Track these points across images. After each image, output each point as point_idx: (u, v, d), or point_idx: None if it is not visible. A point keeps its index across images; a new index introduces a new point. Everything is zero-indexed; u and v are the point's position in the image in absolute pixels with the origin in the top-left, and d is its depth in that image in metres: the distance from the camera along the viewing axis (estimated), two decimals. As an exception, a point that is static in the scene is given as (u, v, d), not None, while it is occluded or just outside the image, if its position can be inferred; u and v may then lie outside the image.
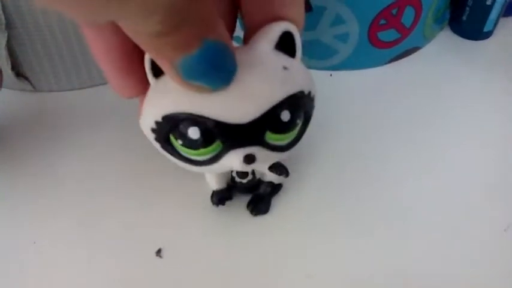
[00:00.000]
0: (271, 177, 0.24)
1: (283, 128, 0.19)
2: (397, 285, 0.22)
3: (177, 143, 0.19)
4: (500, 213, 0.25)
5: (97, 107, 0.32)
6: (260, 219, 0.25)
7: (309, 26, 0.32)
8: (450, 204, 0.26)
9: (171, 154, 0.20)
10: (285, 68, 0.19)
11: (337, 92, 0.33)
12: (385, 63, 0.35)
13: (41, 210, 0.26)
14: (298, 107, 0.20)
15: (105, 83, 0.34)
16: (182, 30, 0.15)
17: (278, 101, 0.18)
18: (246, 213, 0.25)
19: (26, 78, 0.32)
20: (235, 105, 0.18)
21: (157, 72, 0.19)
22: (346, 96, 0.32)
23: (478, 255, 0.23)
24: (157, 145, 0.21)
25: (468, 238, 0.24)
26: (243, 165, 0.19)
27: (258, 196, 0.25)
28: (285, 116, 0.19)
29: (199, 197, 0.26)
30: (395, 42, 0.34)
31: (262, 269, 0.23)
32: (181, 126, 0.19)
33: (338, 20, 0.31)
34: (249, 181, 0.24)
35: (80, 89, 0.33)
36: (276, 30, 0.19)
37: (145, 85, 0.20)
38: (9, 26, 0.29)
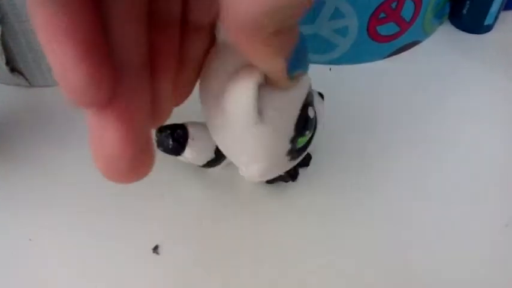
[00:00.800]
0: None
1: (309, 125, 0.21)
2: (399, 280, 0.22)
3: (303, 138, 0.21)
4: (501, 209, 0.25)
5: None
6: (258, 215, 0.25)
7: (308, 20, 0.31)
8: (451, 200, 0.25)
9: (297, 158, 0.22)
10: None
11: (336, 86, 0.32)
12: (385, 57, 0.34)
13: (36, 207, 0.26)
14: (311, 105, 0.21)
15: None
16: (294, 26, 0.14)
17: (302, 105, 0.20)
18: (244, 210, 0.25)
19: (21, 73, 0.32)
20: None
21: None
22: (345, 90, 0.32)
23: (479, 250, 0.23)
24: (290, 164, 0.22)
25: (469, 234, 0.24)
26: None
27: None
28: (311, 112, 0.21)
29: (197, 194, 0.26)
30: (395, 36, 0.33)
31: (260, 266, 0.23)
32: (304, 118, 0.20)
33: (337, 14, 0.31)
34: None
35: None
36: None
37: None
38: (2, 20, 0.29)
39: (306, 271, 0.23)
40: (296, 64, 0.16)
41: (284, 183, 0.26)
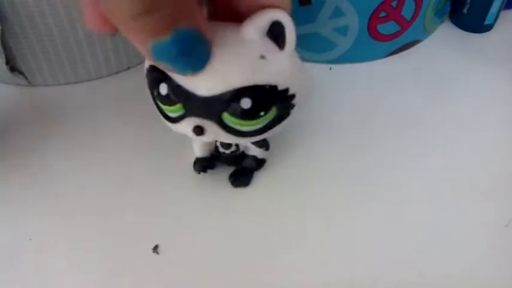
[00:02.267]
0: (255, 151, 0.25)
1: (241, 114, 0.19)
2: (396, 280, 0.22)
3: (154, 94, 0.21)
4: (501, 209, 0.25)
5: (93, 101, 0.32)
6: (258, 215, 0.25)
7: (308, 18, 0.31)
8: (450, 200, 0.25)
9: (154, 102, 0.21)
10: (262, 57, 0.19)
11: (337, 85, 0.32)
12: (385, 56, 0.34)
13: (36, 207, 0.26)
14: (264, 99, 0.19)
15: (101, 77, 0.33)
16: (155, 14, 0.15)
17: (240, 86, 0.19)
18: (244, 212, 0.25)
19: (21, 73, 0.32)
20: (200, 76, 0.18)
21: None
22: (346, 89, 0.32)
23: (479, 250, 0.23)
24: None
25: (469, 234, 0.24)
26: (193, 133, 0.20)
27: (241, 169, 0.26)
28: (245, 103, 0.19)
29: (197, 194, 0.26)
30: (396, 35, 0.33)
31: (260, 266, 0.23)
32: (155, 80, 0.20)
33: (337, 13, 0.31)
34: (232, 152, 0.25)
35: (75, 83, 0.33)
36: (264, 18, 0.19)
37: None
38: (2, 19, 0.29)
39: (305, 271, 0.23)
40: (161, 58, 0.17)
41: (287, 183, 0.26)
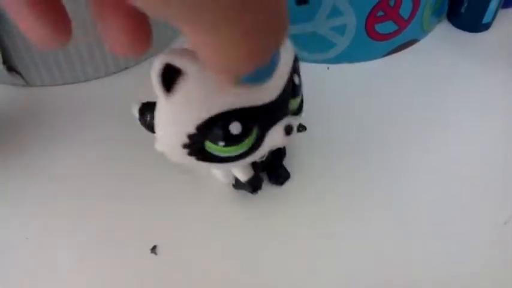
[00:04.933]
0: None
1: (296, 91, 0.20)
2: (396, 278, 0.22)
3: (217, 147, 0.19)
4: (500, 207, 0.25)
5: (91, 101, 0.32)
6: (257, 218, 0.25)
7: (306, 18, 0.31)
8: (449, 198, 0.25)
9: (208, 160, 0.20)
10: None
11: (335, 85, 0.32)
12: (383, 56, 0.34)
13: (33, 207, 0.25)
14: (299, 71, 0.21)
15: (99, 77, 0.33)
16: (254, 36, 0.13)
17: (290, 68, 0.19)
18: (240, 211, 0.25)
19: (18, 73, 0.31)
20: (261, 87, 0.17)
21: (169, 85, 0.18)
22: (343, 89, 0.32)
23: (478, 248, 0.23)
24: (190, 159, 0.19)
25: (468, 232, 0.24)
26: (284, 137, 0.20)
27: (272, 166, 0.26)
28: (296, 79, 0.20)
29: (194, 194, 0.26)
30: (393, 34, 0.33)
31: (258, 266, 0.23)
32: (218, 128, 0.18)
33: (335, 12, 0.31)
34: (266, 157, 0.23)
35: (73, 83, 0.33)
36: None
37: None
38: (-1, 19, 0.29)
39: (303, 270, 0.23)
40: (252, 80, 0.15)
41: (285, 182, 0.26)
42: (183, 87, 0.17)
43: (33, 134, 0.29)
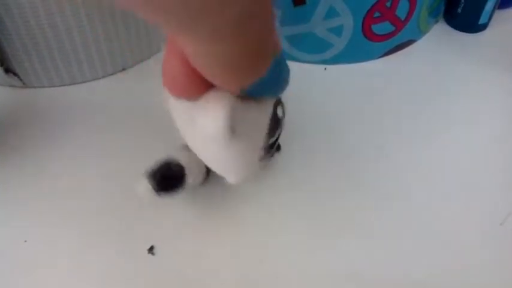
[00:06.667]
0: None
1: (278, 123, 0.22)
2: (392, 277, 0.22)
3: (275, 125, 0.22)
4: (495, 208, 0.25)
5: (88, 102, 0.32)
6: (253, 219, 0.25)
7: (303, 19, 0.31)
8: (446, 199, 0.25)
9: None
10: None
11: (332, 86, 0.32)
12: (380, 57, 0.34)
13: (31, 208, 0.25)
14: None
15: (96, 78, 0.33)
16: (256, 51, 0.14)
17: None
18: (239, 213, 0.25)
19: (15, 74, 0.31)
20: None
21: None
22: (340, 90, 0.32)
23: (474, 248, 0.23)
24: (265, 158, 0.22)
25: (464, 232, 0.24)
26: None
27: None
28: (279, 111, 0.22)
29: (192, 196, 0.26)
30: (390, 35, 0.33)
31: (256, 266, 0.23)
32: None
33: (332, 13, 0.31)
34: None
35: (70, 84, 0.33)
36: None
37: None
38: (-4, 20, 0.29)
39: (302, 269, 0.23)
40: (258, 92, 0.16)
41: (281, 181, 0.26)
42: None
43: (31, 135, 0.29)
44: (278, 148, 0.27)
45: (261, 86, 0.15)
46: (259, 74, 0.15)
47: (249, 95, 0.16)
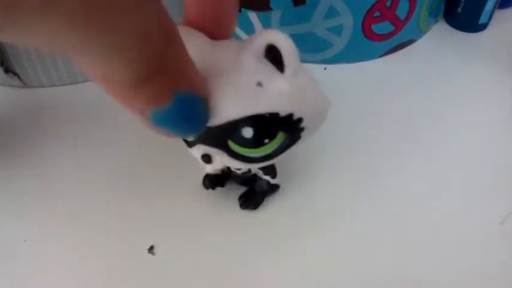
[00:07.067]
0: (266, 176, 0.24)
1: (245, 142, 0.19)
2: (392, 278, 0.22)
3: None
4: (495, 207, 0.25)
5: (89, 102, 0.32)
6: (254, 219, 0.25)
7: (303, 18, 0.31)
8: (445, 199, 0.25)
9: None
10: (259, 84, 0.18)
11: (332, 85, 0.32)
12: (380, 56, 0.34)
13: (31, 208, 0.25)
14: (266, 127, 0.19)
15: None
16: (155, 80, 0.14)
17: (239, 118, 0.18)
18: (241, 214, 0.25)
19: (15, 74, 0.31)
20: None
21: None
22: (340, 90, 0.32)
23: (473, 248, 0.23)
24: None
25: (463, 232, 0.24)
26: (202, 161, 0.20)
27: (252, 191, 0.25)
28: (247, 132, 0.18)
29: (192, 195, 0.26)
30: (390, 34, 0.33)
31: (256, 266, 0.23)
32: None
33: (332, 12, 0.31)
34: (244, 173, 0.24)
35: (70, 84, 0.33)
36: (258, 41, 0.17)
37: None
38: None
39: (303, 270, 0.23)
40: (162, 125, 0.15)
41: (280, 181, 0.26)
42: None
43: (31, 136, 0.29)
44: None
45: (162, 118, 0.15)
46: (157, 103, 0.15)
47: (155, 124, 0.15)
